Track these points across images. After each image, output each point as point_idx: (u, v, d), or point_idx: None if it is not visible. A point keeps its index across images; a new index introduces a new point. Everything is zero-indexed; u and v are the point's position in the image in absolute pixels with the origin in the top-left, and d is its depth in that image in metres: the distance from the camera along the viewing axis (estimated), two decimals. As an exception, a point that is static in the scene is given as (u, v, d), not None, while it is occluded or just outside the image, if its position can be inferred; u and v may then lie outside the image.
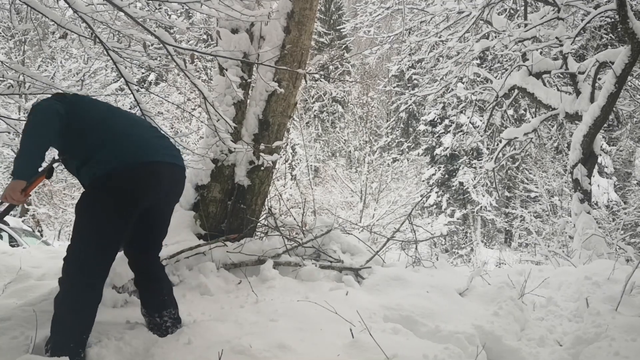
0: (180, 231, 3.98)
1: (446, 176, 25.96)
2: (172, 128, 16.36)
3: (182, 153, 4.56)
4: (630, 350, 2.87)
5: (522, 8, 8.94)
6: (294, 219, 4.76)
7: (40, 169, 2.38)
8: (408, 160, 23.50)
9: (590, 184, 7.61)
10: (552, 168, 16.72)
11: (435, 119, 26.36)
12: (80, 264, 2.30)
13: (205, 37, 16.56)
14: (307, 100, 25.85)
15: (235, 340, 2.46)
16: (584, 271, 4.44)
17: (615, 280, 3.99)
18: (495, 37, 8.89)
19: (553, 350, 3.24)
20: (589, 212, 7.41)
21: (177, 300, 2.75)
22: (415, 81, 25.27)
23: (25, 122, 2.36)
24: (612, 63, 7.10)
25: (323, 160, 25.07)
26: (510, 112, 13.56)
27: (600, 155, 12.66)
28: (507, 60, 12.04)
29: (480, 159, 21.71)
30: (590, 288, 3.98)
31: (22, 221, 14.07)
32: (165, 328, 2.61)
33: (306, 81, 4.47)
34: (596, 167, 9.93)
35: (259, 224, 4.53)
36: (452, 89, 11.18)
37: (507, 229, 25.63)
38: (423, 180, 23.55)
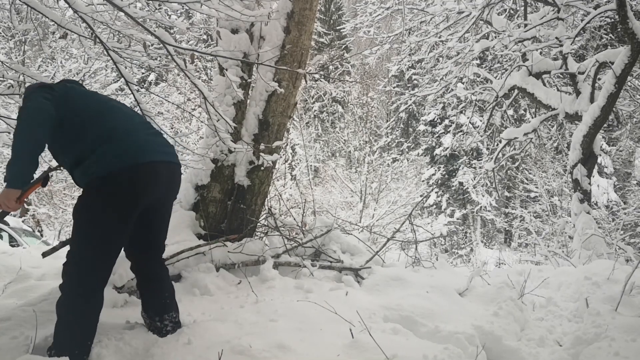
0: (180, 231, 3.98)
1: (446, 176, 25.97)
2: (172, 128, 16.37)
3: (182, 153, 4.57)
4: (630, 350, 2.88)
5: (522, 8, 8.94)
6: (294, 219, 4.76)
7: (35, 175, 2.30)
8: (408, 161, 23.50)
9: (590, 184, 7.61)
10: (552, 168, 16.73)
11: (435, 119, 26.38)
12: (82, 270, 2.26)
13: (205, 37, 16.56)
14: (307, 100, 25.86)
15: (235, 341, 2.46)
16: (584, 271, 4.44)
17: (615, 280, 3.99)
18: (495, 37, 8.89)
19: (553, 351, 3.24)
20: (588, 212, 7.41)
21: (177, 301, 2.74)
22: (415, 81, 25.28)
23: (16, 122, 2.26)
24: (612, 63, 7.10)
25: (323, 160, 25.08)
26: (510, 112, 13.56)
27: (600, 155, 12.66)
28: (507, 61, 12.05)
29: (480, 159, 21.71)
30: (590, 288, 3.98)
31: (22, 221, 14.06)
32: (165, 332, 2.59)
33: (306, 81, 4.48)
34: (596, 167, 9.93)
35: (258, 224, 4.53)
36: (452, 89, 11.18)
37: (507, 229, 25.64)
38: (423, 181, 23.56)
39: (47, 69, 15.81)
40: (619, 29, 8.61)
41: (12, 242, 9.65)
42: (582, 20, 7.98)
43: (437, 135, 26.02)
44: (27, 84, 2.72)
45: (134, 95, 3.38)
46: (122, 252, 2.55)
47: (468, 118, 15.69)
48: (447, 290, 3.78)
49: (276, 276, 3.80)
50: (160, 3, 3.34)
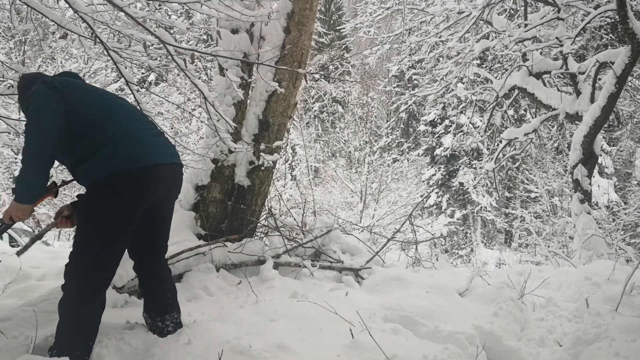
0: (180, 231, 3.98)
1: (446, 176, 25.98)
2: (172, 128, 16.38)
3: (182, 153, 4.57)
4: (630, 350, 2.87)
5: (522, 8, 8.94)
6: (294, 219, 4.76)
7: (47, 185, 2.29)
8: (408, 161, 23.50)
9: (590, 184, 7.60)
10: (553, 168, 16.73)
11: (436, 119, 26.38)
12: (85, 271, 2.25)
13: (205, 37, 16.57)
14: (307, 100, 25.87)
15: (235, 341, 2.46)
16: (584, 272, 4.44)
17: (615, 280, 3.99)
18: (496, 37, 8.89)
19: (553, 351, 3.24)
20: (589, 213, 7.40)
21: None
22: (416, 81, 25.31)
23: (24, 127, 2.21)
24: (613, 63, 7.10)
25: (323, 160, 25.08)
26: (511, 112, 13.56)
27: (601, 155, 12.66)
28: (507, 61, 12.04)
29: (480, 159, 21.71)
30: (590, 288, 3.98)
31: (22, 221, 14.05)
32: (166, 332, 2.58)
33: (306, 81, 4.48)
34: (596, 167, 9.92)
35: (259, 224, 4.53)
36: (452, 89, 11.18)
37: (507, 229, 25.64)
38: (423, 181, 23.55)
39: (47, 69, 15.82)
40: (619, 29, 8.61)
41: (12, 242, 9.66)
42: (582, 20, 7.98)
43: (437, 135, 26.03)
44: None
45: (134, 95, 3.37)
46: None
47: (468, 118, 15.67)
48: (447, 291, 3.77)
49: (276, 276, 3.80)
50: (161, 3, 3.34)
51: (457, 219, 24.76)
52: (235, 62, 4.21)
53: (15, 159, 17.58)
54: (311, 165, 21.46)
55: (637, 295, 3.64)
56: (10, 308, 2.88)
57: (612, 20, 9.67)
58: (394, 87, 27.95)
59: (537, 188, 17.03)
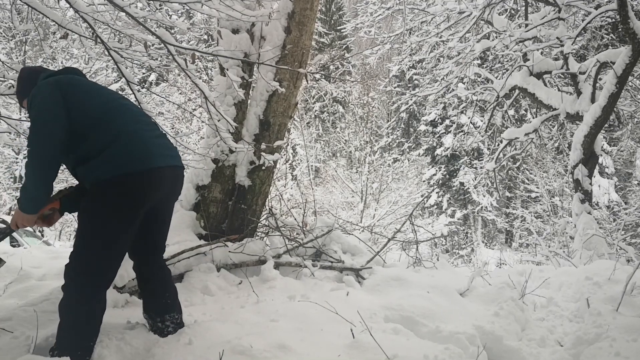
0: (181, 231, 3.98)
1: (447, 176, 25.97)
2: (173, 128, 16.37)
3: (183, 153, 4.57)
4: (631, 350, 2.87)
5: (523, 8, 8.94)
6: (295, 219, 4.76)
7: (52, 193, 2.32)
8: (409, 161, 23.51)
9: (591, 184, 7.60)
10: (553, 168, 16.71)
11: (436, 119, 26.38)
12: (86, 271, 2.25)
13: (206, 37, 16.57)
14: (307, 100, 25.87)
15: (236, 341, 2.46)
16: (585, 272, 4.43)
17: (616, 280, 3.99)
18: (496, 37, 8.89)
19: (554, 351, 3.24)
20: (589, 213, 7.39)
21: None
22: (416, 81, 25.32)
23: (28, 137, 2.20)
24: (613, 63, 7.09)
25: (324, 160, 25.09)
26: (511, 112, 13.57)
27: (601, 155, 12.64)
28: (507, 61, 12.03)
29: (481, 159, 21.72)
30: (591, 288, 3.98)
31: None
32: (167, 333, 2.58)
33: (307, 81, 4.48)
34: (597, 167, 9.91)
35: (259, 224, 4.53)
36: (453, 89, 11.17)
37: (508, 229, 25.64)
38: (424, 181, 23.56)
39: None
40: (620, 29, 8.59)
41: (13, 242, 9.65)
42: (583, 20, 7.96)
43: (438, 135, 26.03)
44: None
45: (135, 95, 3.37)
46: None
47: (469, 118, 15.67)
48: (448, 291, 3.77)
49: (277, 276, 3.80)
50: (161, 3, 3.34)
51: (458, 219, 24.76)
52: (236, 62, 4.21)
53: (16, 158, 17.59)
54: (312, 165, 21.46)
55: (638, 295, 3.64)
56: (11, 308, 2.88)
57: (613, 20, 9.66)
58: (395, 87, 27.97)
59: (538, 188, 17.02)
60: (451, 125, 24.46)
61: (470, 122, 17.51)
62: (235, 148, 3.94)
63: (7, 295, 3.65)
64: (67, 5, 2.95)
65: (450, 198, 25.67)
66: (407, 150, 27.79)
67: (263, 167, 4.32)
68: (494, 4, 8.31)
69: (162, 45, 2.99)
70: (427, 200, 24.45)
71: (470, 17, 8.62)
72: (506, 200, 25.16)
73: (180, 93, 16.70)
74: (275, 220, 4.49)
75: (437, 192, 25.44)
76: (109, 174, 2.23)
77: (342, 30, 23.20)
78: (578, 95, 7.99)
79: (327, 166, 21.69)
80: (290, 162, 20.32)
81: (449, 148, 21.29)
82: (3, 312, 2.77)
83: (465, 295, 3.91)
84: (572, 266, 5.50)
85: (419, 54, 12.23)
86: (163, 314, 2.59)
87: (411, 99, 17.46)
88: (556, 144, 15.19)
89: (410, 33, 10.89)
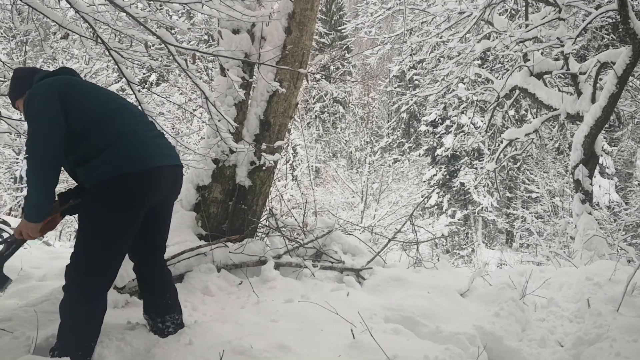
0: (181, 232, 3.98)
1: (447, 177, 25.97)
2: (173, 128, 16.37)
3: (184, 153, 4.57)
4: (632, 351, 2.87)
5: (523, 8, 8.93)
6: (295, 219, 4.76)
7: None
8: (409, 161, 23.51)
9: (591, 184, 7.59)
10: (554, 169, 16.72)
11: (437, 120, 26.38)
12: (86, 272, 2.25)
13: (206, 37, 16.58)
14: (308, 100, 25.85)
15: (236, 341, 2.46)
16: (585, 272, 4.43)
17: (616, 281, 3.99)
18: (497, 37, 8.89)
19: (554, 351, 3.23)
20: (590, 213, 7.39)
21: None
22: (417, 82, 25.31)
23: (27, 144, 2.19)
24: (614, 63, 7.09)
25: (324, 160, 25.09)
26: (512, 112, 13.57)
27: (602, 155, 12.66)
28: (508, 61, 12.04)
29: (481, 159, 21.73)
30: (592, 289, 3.98)
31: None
32: (167, 333, 2.58)
33: (307, 81, 4.48)
34: (597, 167, 9.92)
35: (260, 224, 4.53)
36: (453, 90, 11.17)
37: (508, 229, 25.62)
38: (424, 181, 23.57)
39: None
40: (621, 29, 8.60)
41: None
42: (583, 21, 7.96)
43: (438, 135, 26.02)
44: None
45: (135, 96, 3.37)
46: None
47: (469, 118, 15.66)
48: (449, 291, 3.77)
49: (277, 277, 3.80)
50: (162, 3, 3.34)
51: (458, 219, 24.75)
52: (236, 62, 4.21)
53: (17, 159, 17.59)
54: (312, 166, 21.46)
55: (638, 296, 3.64)
56: (12, 308, 2.88)
57: (613, 20, 9.66)
58: (395, 88, 27.97)
59: (538, 188, 17.02)
60: (451, 126, 24.46)
61: (471, 123, 17.48)
62: (236, 148, 3.94)
63: (8, 295, 3.65)
64: (68, 6, 2.95)
65: (450, 198, 25.66)
66: (408, 150, 27.79)
67: (263, 168, 4.32)
68: (495, 4, 8.31)
69: (163, 45, 2.99)
70: (427, 201, 24.44)
71: (470, 18, 8.62)
72: (507, 201, 25.16)
73: (180, 93, 16.71)
74: (276, 221, 4.49)
75: (437, 193, 25.43)
76: (109, 174, 2.23)
77: (342, 31, 23.19)
78: (578, 96, 7.99)
79: (327, 166, 21.70)
80: (290, 162, 20.33)
81: (449, 148, 21.31)
82: (3, 313, 2.77)
83: (466, 296, 3.91)
84: (572, 267, 5.50)
85: (420, 54, 12.23)
86: (163, 314, 2.59)
87: (411, 99, 17.46)
88: (556, 145, 15.20)
89: (410, 33, 10.88)
